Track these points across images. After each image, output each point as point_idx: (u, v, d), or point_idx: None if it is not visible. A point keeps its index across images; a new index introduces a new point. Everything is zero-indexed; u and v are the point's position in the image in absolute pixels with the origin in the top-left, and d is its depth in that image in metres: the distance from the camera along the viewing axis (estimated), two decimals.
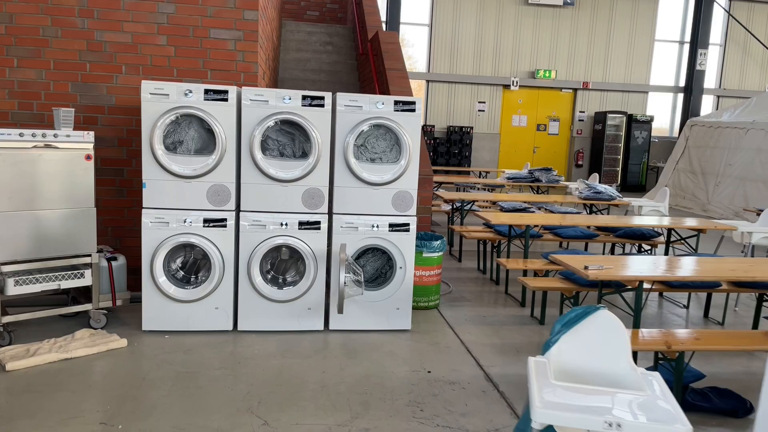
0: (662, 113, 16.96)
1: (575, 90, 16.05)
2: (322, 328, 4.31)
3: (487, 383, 3.58)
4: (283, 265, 4.42)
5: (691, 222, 5.55)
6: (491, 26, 15.36)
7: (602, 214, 7.63)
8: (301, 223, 4.17)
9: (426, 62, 15.36)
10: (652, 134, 16.32)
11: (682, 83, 16.69)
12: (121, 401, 3.12)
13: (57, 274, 3.88)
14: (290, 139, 4.23)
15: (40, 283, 3.81)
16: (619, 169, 15.73)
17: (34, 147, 3.75)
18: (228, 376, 3.49)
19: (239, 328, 4.22)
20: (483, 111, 15.67)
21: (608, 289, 3.86)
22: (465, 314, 4.88)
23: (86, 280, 3.99)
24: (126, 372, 3.47)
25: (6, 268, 3.70)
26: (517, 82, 15.60)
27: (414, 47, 15.35)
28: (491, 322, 4.70)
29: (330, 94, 4.14)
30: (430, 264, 4.87)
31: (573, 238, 5.80)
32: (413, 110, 4.22)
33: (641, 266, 3.58)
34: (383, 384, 3.48)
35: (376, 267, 4.51)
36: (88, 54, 4.62)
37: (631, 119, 15.64)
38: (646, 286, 4.16)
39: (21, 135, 3.69)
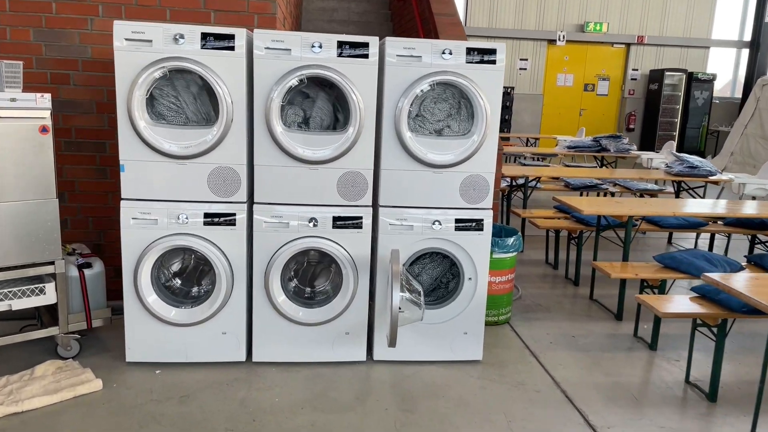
0: (723, 71, 15.29)
1: (628, 45, 14.44)
2: (364, 358, 3.22)
3: None
4: (310, 271, 3.32)
5: None
6: None
7: (695, 194, 6.36)
8: (336, 220, 3.04)
9: (462, 15, 13.85)
10: (717, 95, 14.71)
11: (747, 37, 14.94)
12: None
13: (6, 290, 2.83)
14: (322, 103, 3.07)
15: None
16: (676, 133, 14.23)
17: None
18: None
19: (254, 358, 3.16)
20: (525, 69, 14.19)
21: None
22: (546, 332, 3.75)
23: (48, 296, 2.94)
24: None
25: None
26: (563, 37, 14.05)
27: None
28: (585, 346, 3.57)
29: (376, 39, 2.94)
30: (502, 267, 3.74)
31: (675, 227, 4.59)
32: (494, 62, 3.01)
33: None
34: None
35: (434, 276, 3.39)
36: None
37: (690, 78, 14.04)
38: None
39: None
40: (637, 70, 14.55)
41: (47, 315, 3.23)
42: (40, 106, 2.83)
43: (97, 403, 2.71)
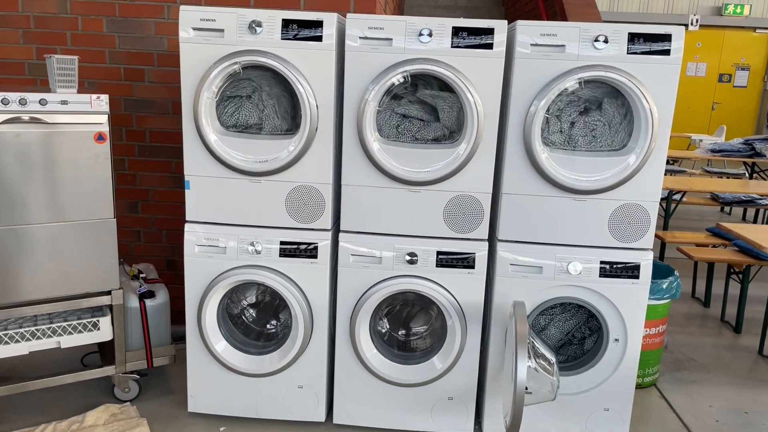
0: None
1: None
2: (471, 430, 2.55)
3: None
4: (405, 312, 2.69)
5: None
6: None
7: None
8: (441, 255, 2.38)
9: None
10: None
11: None
12: None
13: (56, 325, 2.44)
14: (426, 108, 2.40)
15: (28, 340, 2.38)
16: None
17: (8, 122, 2.25)
18: None
19: (335, 420, 2.58)
20: None
21: None
22: (708, 405, 2.88)
23: (102, 332, 2.52)
24: None
25: None
26: (697, 21, 12.41)
27: None
28: (761, 428, 2.68)
29: (504, 23, 2.23)
30: (653, 317, 2.91)
31: None
32: (667, 52, 2.20)
33: None
34: None
35: (565, 330, 2.63)
36: None
37: None
38: None
39: None
40: None
41: (108, 347, 2.84)
42: (96, 109, 2.38)
43: None
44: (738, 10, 12.37)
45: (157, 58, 3.17)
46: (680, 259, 5.18)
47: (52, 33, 3.14)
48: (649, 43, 2.19)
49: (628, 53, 2.21)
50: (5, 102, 2.23)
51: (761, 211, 6.62)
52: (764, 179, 6.97)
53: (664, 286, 2.88)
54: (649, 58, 2.20)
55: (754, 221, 6.53)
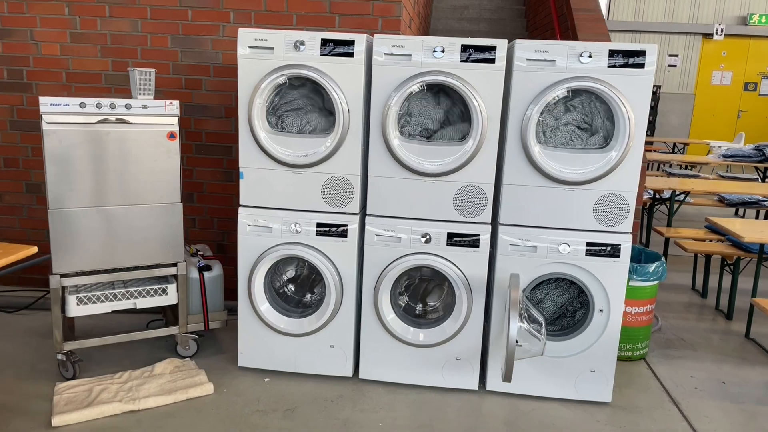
0: None
1: None
2: (476, 387, 2.98)
3: None
4: (422, 287, 3.14)
5: None
6: None
7: None
8: (451, 237, 2.83)
9: (605, 8, 12.90)
10: None
11: None
12: None
13: (132, 290, 2.96)
14: (440, 111, 2.87)
15: (110, 302, 2.92)
16: None
17: (100, 122, 2.79)
18: None
19: (361, 375, 3.04)
20: (674, 66, 12.92)
21: None
22: (689, 374, 3.26)
23: (170, 297, 3.04)
24: None
25: (68, 282, 2.84)
26: (721, 30, 12.58)
27: None
28: (738, 396, 3.04)
29: (504, 42, 2.68)
30: (640, 297, 3.30)
31: None
32: (641, 65, 2.62)
33: None
34: None
35: (559, 303, 3.05)
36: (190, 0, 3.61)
37: None
38: None
39: (82, 106, 2.74)
40: None
41: (170, 313, 3.36)
42: (169, 113, 2.91)
43: (207, 409, 2.74)
44: (763, 20, 12.52)
45: (213, 70, 3.71)
46: (683, 255, 5.52)
47: (126, 48, 3.71)
48: (626, 57, 2.62)
49: (608, 66, 2.63)
50: (99, 106, 2.77)
51: (765, 212, 6.85)
52: None
53: (651, 270, 3.27)
54: (627, 70, 2.63)
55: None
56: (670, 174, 6.65)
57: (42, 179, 3.90)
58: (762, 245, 3.66)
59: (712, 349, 3.60)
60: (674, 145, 10.17)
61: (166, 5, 3.63)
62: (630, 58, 2.62)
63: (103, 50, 3.72)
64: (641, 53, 2.62)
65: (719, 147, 7.70)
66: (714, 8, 12.63)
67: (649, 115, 12.55)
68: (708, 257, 4.46)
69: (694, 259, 4.70)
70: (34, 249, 2.48)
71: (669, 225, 4.96)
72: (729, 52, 12.91)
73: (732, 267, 4.06)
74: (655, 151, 9.42)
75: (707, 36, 12.77)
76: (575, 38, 4.66)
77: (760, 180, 7.03)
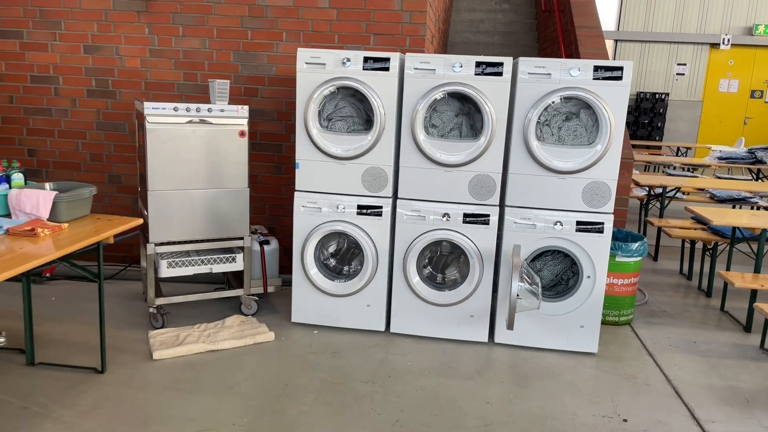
0: None
1: None
2: (486, 339, 3.65)
3: None
4: (442, 260, 3.81)
5: None
6: None
7: None
8: (466, 216, 3.51)
9: (615, 19, 13.51)
10: None
11: None
12: (259, 413, 2.78)
13: (209, 257, 3.68)
14: (458, 114, 3.55)
15: (192, 266, 3.64)
16: None
17: (189, 122, 3.52)
18: (376, 393, 3.01)
19: (392, 329, 3.73)
20: (682, 75, 13.47)
21: None
22: (667, 336, 3.89)
23: (238, 264, 3.76)
24: (269, 374, 3.15)
25: (160, 249, 3.57)
26: (728, 40, 13.11)
27: (600, 1, 13.57)
28: (705, 352, 3.67)
29: (510, 59, 3.36)
30: (625, 270, 3.94)
31: None
32: (619, 78, 3.28)
33: None
34: (563, 431, 2.75)
35: (555, 272, 3.71)
36: (249, 20, 4.34)
37: None
38: None
39: (175, 110, 3.47)
40: None
41: (234, 281, 4.08)
42: (240, 115, 3.63)
43: (270, 350, 3.44)
44: None
45: (267, 81, 4.43)
46: (675, 246, 6.13)
47: (195, 62, 4.45)
48: (607, 71, 3.28)
49: (593, 79, 3.30)
50: (188, 110, 3.50)
51: (750, 208, 7.40)
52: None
53: (634, 248, 3.91)
54: (607, 82, 3.29)
55: None
56: (670, 175, 7.24)
57: (122, 171, 4.64)
58: (734, 229, 4.27)
59: (690, 319, 4.23)
60: (678, 149, 10.73)
61: (230, 26, 4.36)
62: (610, 72, 3.28)
63: (176, 64, 4.46)
64: (619, 68, 3.28)
65: (717, 150, 8.26)
66: (721, 19, 13.16)
67: (658, 120, 13.12)
68: (693, 244, 5.08)
69: (681, 247, 5.32)
70: (140, 220, 3.21)
71: (661, 217, 5.58)
72: (735, 61, 13.43)
73: (711, 251, 4.68)
74: (661, 154, 9.98)
75: (714, 46, 13.30)
76: (578, 52, 5.33)
77: (754, 180, 7.59)
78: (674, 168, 9.34)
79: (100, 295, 3.02)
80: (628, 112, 13.43)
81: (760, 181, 7.49)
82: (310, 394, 2.98)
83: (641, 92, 13.41)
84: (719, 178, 7.50)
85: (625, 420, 2.87)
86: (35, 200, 2.97)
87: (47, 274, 4.43)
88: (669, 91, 13.48)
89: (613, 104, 3.31)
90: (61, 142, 4.65)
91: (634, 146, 12.26)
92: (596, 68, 3.29)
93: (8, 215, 3.07)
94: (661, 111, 13.21)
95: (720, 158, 7.40)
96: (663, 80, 13.54)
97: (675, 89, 13.52)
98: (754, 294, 3.91)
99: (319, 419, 2.76)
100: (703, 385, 3.24)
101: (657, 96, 13.22)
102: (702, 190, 6.35)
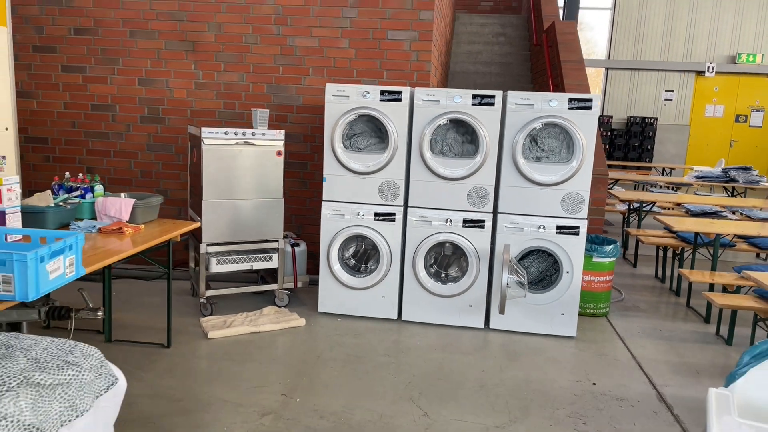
0: None
1: None
2: (482, 326, 4.34)
3: (659, 404, 3.34)
4: (446, 260, 4.52)
5: None
6: (685, 5, 13.90)
7: None
8: (465, 221, 4.22)
9: (606, 48, 14.39)
10: None
11: None
12: (298, 376, 3.46)
13: (249, 256, 4.39)
14: (458, 137, 4.29)
15: (236, 263, 4.35)
16: None
17: (236, 144, 4.26)
18: (391, 363, 3.69)
19: (403, 317, 4.42)
20: (670, 100, 14.29)
21: None
22: (638, 325, 4.57)
23: (273, 262, 4.46)
24: (303, 349, 3.84)
25: (211, 249, 4.28)
26: (713, 68, 13.96)
27: (593, 30, 14.47)
28: (668, 337, 4.35)
29: (500, 92, 4.11)
30: (601, 269, 4.64)
31: None
32: (589, 108, 4.02)
33: None
34: (544, 391, 3.42)
35: (540, 269, 4.42)
36: (281, 58, 5.11)
37: None
38: None
39: (226, 133, 4.22)
40: None
41: (268, 277, 4.78)
42: (277, 138, 4.38)
43: (302, 332, 4.13)
44: (751, 59, 13.87)
45: (296, 108, 5.19)
46: (652, 255, 6.82)
47: (234, 93, 5.21)
48: (579, 102, 4.02)
49: (568, 108, 4.04)
50: (236, 133, 4.24)
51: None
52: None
53: (608, 250, 4.61)
54: (580, 111, 4.03)
55: None
56: (652, 192, 7.96)
57: (168, 186, 5.38)
58: (696, 235, 4.98)
59: (659, 313, 4.91)
60: (663, 169, 11.47)
61: (263, 63, 5.14)
62: (582, 103, 4.02)
63: (218, 94, 5.23)
64: (589, 100, 4.02)
65: (696, 170, 8.99)
66: (706, 48, 14.02)
67: (647, 143, 13.88)
68: (665, 251, 5.78)
69: (656, 254, 6.02)
70: (198, 224, 3.92)
71: (639, 227, 6.28)
72: (720, 87, 14.25)
73: (679, 255, 5.37)
74: (647, 174, 10.72)
75: (700, 73, 14.14)
76: (563, 83, 6.10)
77: (728, 196, 8.30)
78: (659, 186, 10.08)
79: (169, 282, 3.72)
80: (620, 135, 14.21)
81: (733, 197, 8.20)
82: (338, 363, 3.67)
83: (631, 117, 14.21)
84: (698, 195, 8.22)
85: (594, 384, 3.55)
86: (118, 206, 3.70)
87: None
88: (658, 116, 14.28)
89: (585, 128, 4.04)
90: (116, 161, 5.40)
91: (624, 167, 13.01)
92: (570, 99, 4.03)
93: (94, 218, 3.79)
94: (650, 134, 13.99)
95: (697, 177, 8.13)
96: (652, 105, 14.35)
97: (663, 114, 14.32)
98: (710, 288, 4.60)
99: (347, 380, 3.44)
100: (662, 361, 3.92)
101: (646, 120, 14.02)
102: (679, 205, 7.06)
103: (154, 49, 5.21)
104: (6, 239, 2.83)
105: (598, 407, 3.26)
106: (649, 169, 13.15)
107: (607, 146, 14.30)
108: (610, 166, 13.21)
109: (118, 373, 1.60)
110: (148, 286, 4.99)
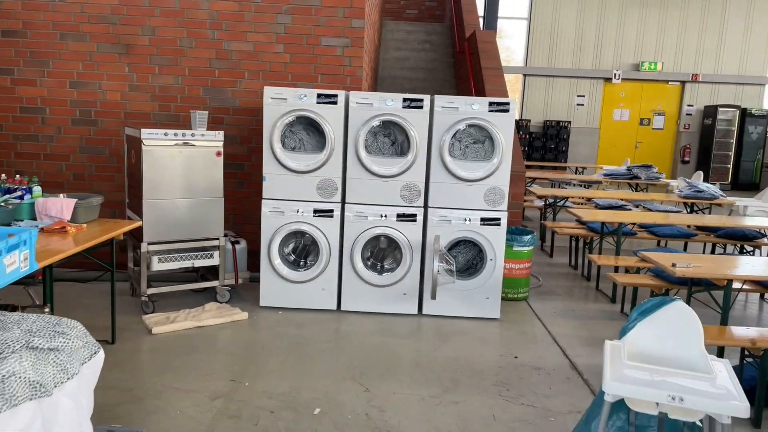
0: None
1: (683, 83, 15.29)
2: (416, 312, 4.67)
3: (572, 371, 3.78)
4: (381, 253, 4.82)
5: None
6: (593, 18, 14.98)
7: (704, 213, 7.41)
8: (398, 215, 4.55)
9: (523, 56, 15.26)
10: None
11: None
12: (245, 364, 3.65)
13: (191, 254, 4.52)
14: (390, 137, 4.61)
15: (178, 261, 4.46)
16: (730, 166, 14.84)
17: (175, 145, 4.38)
18: (333, 349, 3.95)
19: (342, 308, 4.68)
20: (582, 105, 15.34)
21: (698, 287, 3.92)
22: (554, 307, 5.06)
23: (215, 260, 4.61)
24: (248, 340, 4.02)
25: (152, 248, 4.38)
26: (619, 75, 15.12)
27: (512, 38, 15.31)
28: (580, 316, 4.85)
29: (428, 96, 4.47)
30: (520, 257, 5.09)
31: (670, 236, 5.77)
32: (507, 110, 4.45)
33: (731, 265, 3.62)
34: (472, 365, 3.79)
35: (467, 258, 4.81)
36: (217, 62, 5.25)
37: (744, 113, 14.69)
38: (737, 285, 4.15)
39: (165, 134, 4.33)
40: (692, 105, 15.33)
41: (209, 275, 4.90)
42: (216, 139, 4.53)
43: (245, 325, 4.30)
44: (652, 67, 15.14)
45: (232, 111, 5.34)
46: (564, 246, 7.44)
47: (169, 96, 5.30)
48: (498, 105, 4.44)
49: (489, 111, 4.45)
50: (176, 134, 4.37)
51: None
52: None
53: (526, 239, 5.07)
54: (499, 113, 4.45)
55: None
56: (565, 189, 8.63)
57: (103, 188, 5.37)
58: (602, 224, 5.55)
59: (572, 296, 5.43)
60: (576, 168, 12.36)
61: (199, 66, 5.26)
62: (500, 106, 4.45)
63: (152, 97, 5.29)
64: (507, 103, 4.45)
65: (604, 169, 9.81)
66: (612, 57, 15.17)
67: (562, 145, 14.83)
68: (577, 242, 6.36)
69: (570, 244, 6.60)
70: (139, 223, 4.02)
71: (554, 221, 6.85)
72: (626, 93, 15.46)
73: (588, 244, 5.95)
74: (563, 173, 11.51)
75: (608, 80, 15.27)
76: (483, 88, 6.57)
77: (632, 191, 9.13)
78: (573, 184, 10.87)
79: (113, 278, 3.81)
80: (538, 138, 15.11)
81: (637, 192, 9.03)
82: (283, 351, 3.88)
83: (547, 120, 15.14)
84: (606, 191, 8.98)
85: (516, 357, 3.95)
86: (59, 206, 3.74)
87: (39, 278, 5.07)
88: (571, 119, 15.30)
89: (504, 129, 4.47)
90: (47, 164, 5.34)
91: (542, 167, 13.86)
92: (490, 103, 4.45)
93: (33, 218, 3.81)
94: (564, 137, 14.97)
95: (605, 175, 8.89)
96: (566, 110, 15.35)
97: (576, 118, 15.35)
98: (615, 270, 5.16)
99: (292, 365, 3.67)
100: (574, 336, 4.39)
101: (561, 123, 14.98)
102: (590, 200, 7.72)
103: (86, 52, 5.21)
104: None
105: (519, 376, 3.66)
106: (564, 168, 14.06)
107: (526, 148, 15.15)
108: (528, 167, 14.03)
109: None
110: (86, 288, 4.98)
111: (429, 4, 12.30)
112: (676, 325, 2.24)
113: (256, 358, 3.75)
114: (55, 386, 1.46)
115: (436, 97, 4.47)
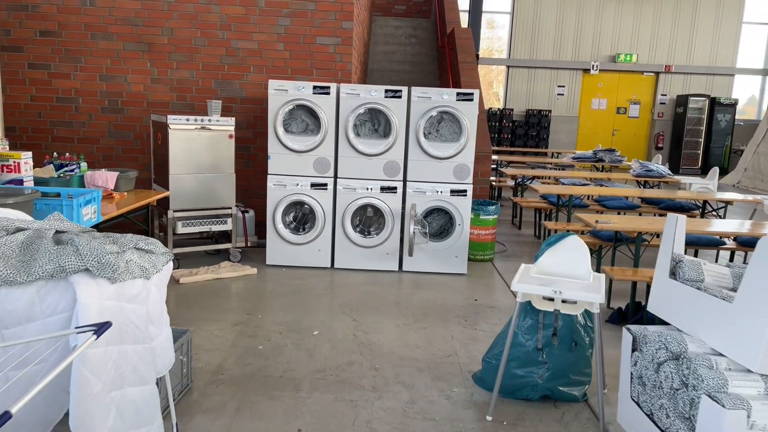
0: (751, 96, 16.68)
1: (657, 73, 16.21)
2: (397, 269, 5.59)
3: None
4: (368, 220, 5.72)
5: (722, 196, 6.29)
6: (572, 12, 15.84)
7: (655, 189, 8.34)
8: (382, 188, 5.44)
9: (507, 48, 16.12)
10: (740, 118, 16.18)
11: None
12: (257, 304, 4.56)
13: (208, 220, 5.41)
14: (374, 122, 5.50)
15: (198, 226, 5.35)
16: (701, 152, 15.80)
17: (195, 128, 5.26)
18: (328, 294, 4.86)
19: (335, 266, 5.59)
20: (562, 95, 16.23)
21: (620, 242, 4.84)
22: (515, 267, 5.98)
23: (228, 225, 5.50)
24: (258, 288, 4.93)
25: (177, 214, 5.26)
26: (597, 67, 16.00)
27: (504, 29, 16.14)
28: None
29: (406, 88, 5.36)
30: (486, 225, 6.01)
31: (616, 208, 6.69)
32: (471, 100, 5.35)
33: (643, 222, 4.54)
34: (440, 305, 4.71)
35: (440, 224, 5.72)
36: (226, 58, 6.11)
37: (714, 102, 15.63)
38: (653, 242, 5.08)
39: (187, 120, 5.21)
40: (665, 95, 16.26)
41: (222, 239, 5.79)
42: (229, 124, 5.41)
43: (255, 278, 5.20)
44: (628, 58, 16.03)
45: (239, 101, 6.21)
46: (531, 220, 8.36)
47: (185, 87, 6.16)
48: (465, 96, 5.34)
49: (457, 100, 5.35)
50: (196, 120, 5.24)
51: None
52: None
53: (491, 209, 5.99)
54: (465, 102, 5.34)
55: None
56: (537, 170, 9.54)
57: (128, 167, 6.23)
58: (558, 197, 6.47)
59: (532, 259, 6.35)
60: (553, 153, 13.28)
61: (211, 62, 6.12)
62: (466, 96, 5.34)
63: (171, 88, 6.15)
64: (471, 94, 5.34)
65: (575, 153, 10.72)
66: (590, 49, 16.05)
67: (543, 132, 15.72)
68: (540, 214, 7.27)
69: (535, 217, 7.52)
70: (168, 192, 4.90)
71: (522, 197, 7.77)
72: (604, 83, 16.36)
73: (548, 215, 6.87)
74: (543, 159, 12.43)
75: (586, 71, 16.17)
76: (459, 80, 7.45)
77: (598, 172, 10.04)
78: (547, 167, 11.79)
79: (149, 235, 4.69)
80: (521, 126, 16.00)
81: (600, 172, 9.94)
82: (287, 296, 4.79)
83: (530, 109, 16.04)
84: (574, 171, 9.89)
85: (476, 300, 4.88)
86: (105, 177, 4.62)
87: None
88: (551, 109, 16.20)
89: (469, 115, 5.37)
90: (80, 146, 6.20)
91: (525, 152, 14.77)
92: (458, 93, 5.34)
93: (82, 188, 4.68)
94: (545, 125, 15.88)
95: (574, 158, 9.81)
96: (547, 99, 16.25)
97: (556, 107, 16.26)
98: None
99: (295, 305, 4.58)
100: None
101: (542, 112, 15.88)
102: (558, 180, 8.64)
103: (114, 49, 6.06)
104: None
105: (476, 312, 4.58)
106: (545, 154, 14.98)
107: (510, 135, 16.06)
108: (511, 152, 14.94)
109: None
110: None
111: (416, 1, 13.13)
112: (571, 251, 3.15)
113: (266, 300, 4.66)
114: (148, 277, 2.33)
115: (413, 88, 5.35)
